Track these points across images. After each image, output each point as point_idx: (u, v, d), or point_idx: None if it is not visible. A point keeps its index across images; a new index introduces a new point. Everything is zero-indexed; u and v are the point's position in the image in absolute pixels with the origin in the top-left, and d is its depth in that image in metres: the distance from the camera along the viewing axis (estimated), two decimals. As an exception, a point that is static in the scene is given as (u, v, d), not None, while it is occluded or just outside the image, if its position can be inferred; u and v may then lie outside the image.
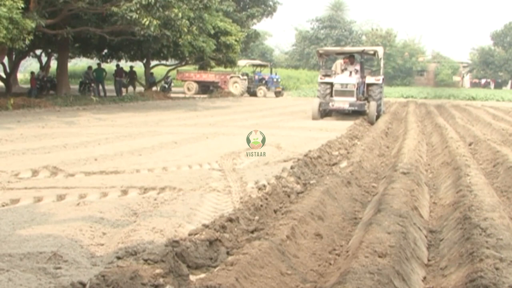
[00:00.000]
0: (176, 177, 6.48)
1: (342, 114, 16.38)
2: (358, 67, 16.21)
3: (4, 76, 22.99)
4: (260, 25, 69.49)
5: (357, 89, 15.38)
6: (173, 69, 31.78)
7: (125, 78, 27.20)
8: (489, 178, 6.84)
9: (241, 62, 32.86)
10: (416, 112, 19.56)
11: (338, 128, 12.97)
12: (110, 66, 30.29)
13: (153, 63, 29.95)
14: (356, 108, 15.32)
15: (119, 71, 26.34)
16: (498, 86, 60.00)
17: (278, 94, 32.93)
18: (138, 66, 33.22)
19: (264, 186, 5.85)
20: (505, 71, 59.71)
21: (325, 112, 16.21)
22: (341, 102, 15.29)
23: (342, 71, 16.22)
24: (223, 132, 11.74)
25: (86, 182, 6.05)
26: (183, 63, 29.62)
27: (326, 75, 16.25)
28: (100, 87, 24.73)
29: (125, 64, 30.46)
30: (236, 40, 26.93)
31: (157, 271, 2.92)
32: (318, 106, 15.54)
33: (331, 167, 7.20)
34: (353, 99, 15.24)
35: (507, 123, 15.04)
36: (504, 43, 61.15)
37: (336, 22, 65.13)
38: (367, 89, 16.17)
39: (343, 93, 15.33)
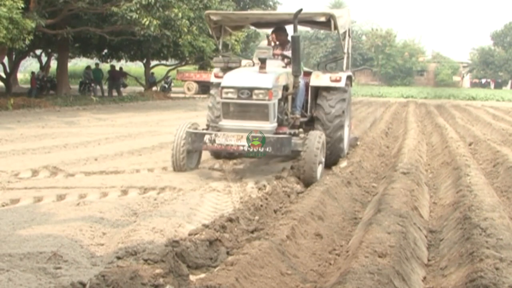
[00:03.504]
0: (176, 177, 6.48)
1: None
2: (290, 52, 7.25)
3: (4, 76, 22.98)
4: (260, 25, 69.25)
5: (281, 100, 6.67)
6: (173, 69, 31.77)
7: (125, 79, 27.41)
8: (489, 178, 6.84)
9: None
10: (416, 112, 19.57)
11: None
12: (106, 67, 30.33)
13: (153, 63, 29.94)
14: (269, 149, 6.02)
15: (121, 73, 26.63)
16: (498, 86, 60.00)
17: (278, 94, 32.84)
18: (138, 66, 33.20)
19: (264, 186, 5.85)
20: (505, 71, 59.70)
21: (198, 154, 7.13)
22: (234, 134, 6.16)
23: (274, 55, 7.67)
24: (223, 132, 11.71)
25: (86, 182, 6.05)
26: (183, 63, 29.61)
27: (226, 67, 7.88)
28: (98, 87, 24.81)
29: (124, 64, 30.47)
30: (236, 40, 26.90)
31: (157, 271, 2.92)
32: (180, 145, 6.59)
33: (331, 167, 7.20)
34: (266, 126, 6.30)
35: (507, 123, 15.04)
36: (504, 43, 61.17)
37: (336, 22, 65.02)
38: (314, 99, 7.62)
39: (242, 110, 6.38)
